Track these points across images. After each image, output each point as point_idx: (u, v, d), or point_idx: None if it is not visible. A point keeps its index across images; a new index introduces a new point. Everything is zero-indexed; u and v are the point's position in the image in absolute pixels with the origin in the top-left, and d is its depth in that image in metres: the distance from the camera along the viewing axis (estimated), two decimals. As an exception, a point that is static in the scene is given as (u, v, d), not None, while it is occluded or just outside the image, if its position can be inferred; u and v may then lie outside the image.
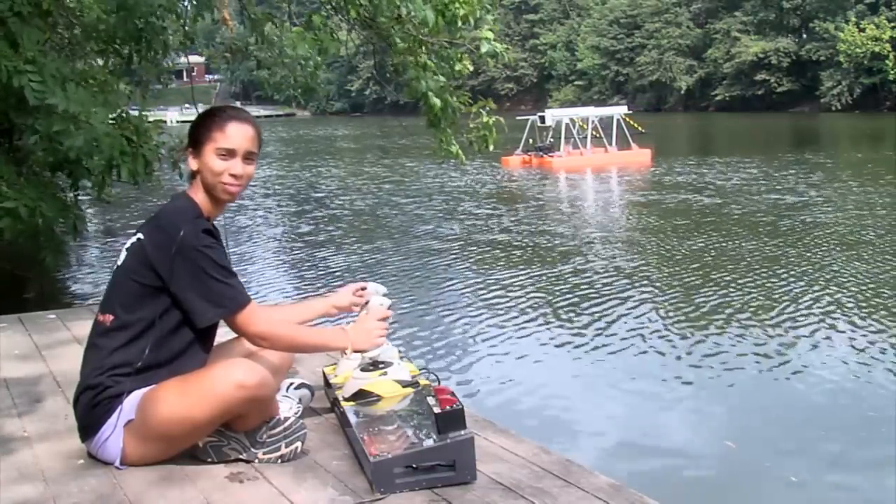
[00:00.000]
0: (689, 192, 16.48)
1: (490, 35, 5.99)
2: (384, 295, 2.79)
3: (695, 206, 14.72)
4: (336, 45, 6.44)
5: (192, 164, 2.45)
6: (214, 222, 2.50)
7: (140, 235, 2.38)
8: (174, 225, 2.31)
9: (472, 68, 6.58)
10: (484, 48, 5.93)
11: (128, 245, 2.42)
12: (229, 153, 2.42)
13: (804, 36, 58.17)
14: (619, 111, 24.91)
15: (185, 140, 2.61)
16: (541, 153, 22.94)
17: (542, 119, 23.29)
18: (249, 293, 2.45)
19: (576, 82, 69.59)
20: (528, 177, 20.90)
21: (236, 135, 2.43)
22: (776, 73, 56.66)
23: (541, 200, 16.79)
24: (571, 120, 23.74)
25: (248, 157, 2.46)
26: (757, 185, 17.42)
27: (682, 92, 62.72)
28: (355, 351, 2.60)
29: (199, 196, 2.44)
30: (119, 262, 2.42)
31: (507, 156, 22.76)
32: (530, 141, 23.31)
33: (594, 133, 23.65)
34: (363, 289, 2.81)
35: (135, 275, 2.34)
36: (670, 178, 19.08)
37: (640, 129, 24.02)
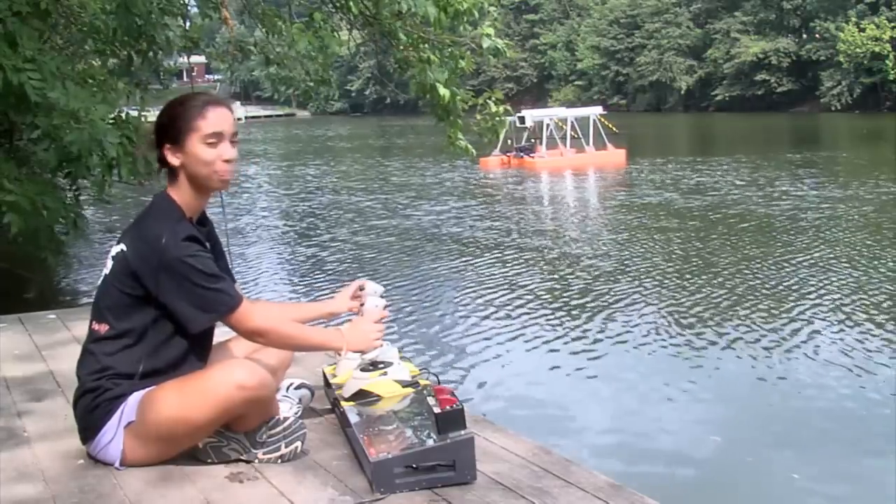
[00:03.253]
0: (675, 193, 16.53)
1: (491, 31, 6.00)
2: (381, 296, 2.78)
3: (683, 206, 14.75)
4: (337, 42, 6.43)
5: (173, 160, 2.34)
6: (206, 209, 2.47)
7: (123, 246, 2.34)
8: (155, 235, 2.26)
9: (474, 66, 6.57)
10: (486, 44, 5.93)
11: (112, 254, 2.37)
12: (217, 138, 2.33)
13: (804, 36, 58.10)
14: (594, 111, 25.05)
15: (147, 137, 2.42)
16: (521, 154, 22.91)
17: (522, 120, 23.29)
18: (247, 293, 2.44)
19: (576, 82, 69.52)
20: (512, 178, 20.93)
21: (219, 118, 2.34)
22: (776, 73, 56.59)
23: (532, 201, 16.92)
24: (552, 120, 23.79)
25: (234, 139, 2.38)
26: (739, 184, 17.57)
27: (682, 92, 62.63)
28: (350, 351, 2.58)
29: (181, 193, 2.37)
30: (106, 271, 2.38)
31: (484, 157, 22.67)
32: (509, 141, 23.25)
33: (572, 134, 23.68)
34: (361, 288, 2.79)
35: (121, 285, 2.31)
36: (654, 178, 19.24)
37: (613, 129, 24.18)
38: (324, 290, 9.17)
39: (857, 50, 50.09)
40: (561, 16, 72.96)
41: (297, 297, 8.98)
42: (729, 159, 22.84)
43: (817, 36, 54.66)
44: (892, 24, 49.95)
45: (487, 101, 6.38)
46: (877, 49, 49.42)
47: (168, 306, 2.28)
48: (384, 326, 2.65)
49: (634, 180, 19.13)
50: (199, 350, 2.43)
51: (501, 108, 6.41)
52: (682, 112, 60.44)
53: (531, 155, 22.86)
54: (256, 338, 2.39)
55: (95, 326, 2.37)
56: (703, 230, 12.26)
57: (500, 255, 10.81)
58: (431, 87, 6.06)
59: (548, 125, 23.61)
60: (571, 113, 25.14)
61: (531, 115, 24.04)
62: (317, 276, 10.19)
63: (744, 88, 57.90)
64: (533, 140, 23.65)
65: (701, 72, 61.65)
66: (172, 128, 2.34)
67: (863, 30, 50.24)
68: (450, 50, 6.28)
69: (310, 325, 2.75)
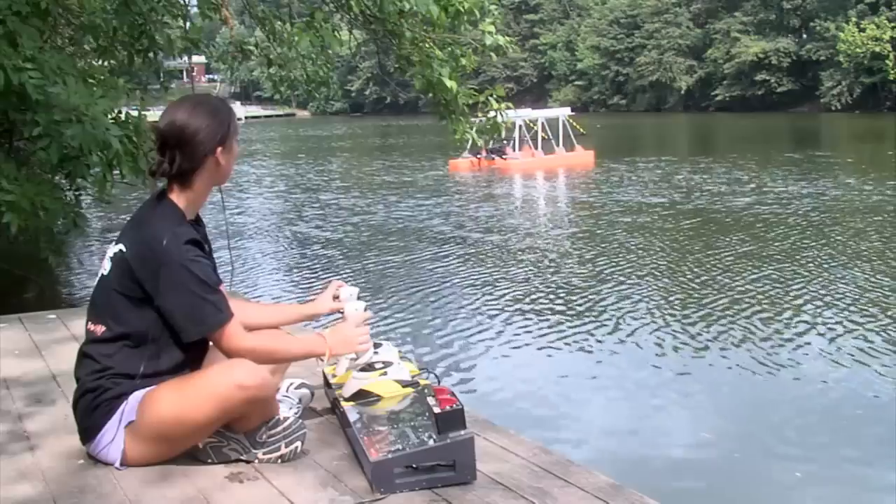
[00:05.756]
0: (666, 192, 16.63)
1: (492, 28, 6.01)
2: (358, 298, 2.74)
3: (675, 206, 14.81)
4: (338, 42, 6.44)
5: (222, 160, 2.37)
6: (200, 211, 2.48)
7: (122, 247, 2.33)
8: (156, 237, 2.25)
9: (476, 63, 6.57)
10: (487, 41, 5.95)
11: (111, 255, 2.36)
12: None
13: (804, 36, 58.16)
14: (563, 112, 25.00)
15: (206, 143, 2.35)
16: (492, 155, 22.57)
17: None
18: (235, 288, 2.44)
19: (576, 82, 69.60)
20: (488, 180, 20.87)
21: None
22: (776, 73, 56.66)
23: (517, 202, 17.06)
24: (523, 121, 23.67)
25: None
26: (720, 182, 17.85)
27: (682, 92, 62.69)
28: (334, 356, 2.55)
29: (189, 195, 2.36)
30: (104, 272, 2.37)
31: (454, 158, 22.61)
32: (478, 143, 22.82)
33: (543, 135, 23.57)
34: (337, 296, 2.75)
35: (120, 287, 2.30)
36: (639, 178, 19.45)
37: (582, 130, 24.17)
38: (302, 285, 9.31)
39: (857, 50, 50.13)
40: (561, 16, 73.01)
41: (276, 292, 9.08)
42: (711, 159, 23.09)
43: (817, 36, 54.69)
44: (893, 24, 49.98)
45: (489, 97, 6.40)
46: (877, 49, 49.47)
47: (163, 311, 2.28)
48: (369, 329, 2.64)
49: (612, 181, 19.27)
50: (198, 352, 2.43)
51: (503, 105, 6.44)
52: (682, 112, 60.44)
53: (503, 156, 22.63)
54: (237, 357, 2.33)
55: (92, 327, 2.36)
56: (692, 230, 12.31)
57: (500, 256, 10.82)
58: (438, 81, 6.06)
59: (519, 126, 23.53)
60: (542, 114, 25.04)
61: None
62: (299, 273, 10.28)
63: (744, 88, 57.96)
64: (504, 141, 23.52)
65: (701, 72, 61.71)
66: (228, 130, 2.38)
67: (863, 30, 50.29)
68: (450, 48, 6.29)
69: (292, 330, 2.73)
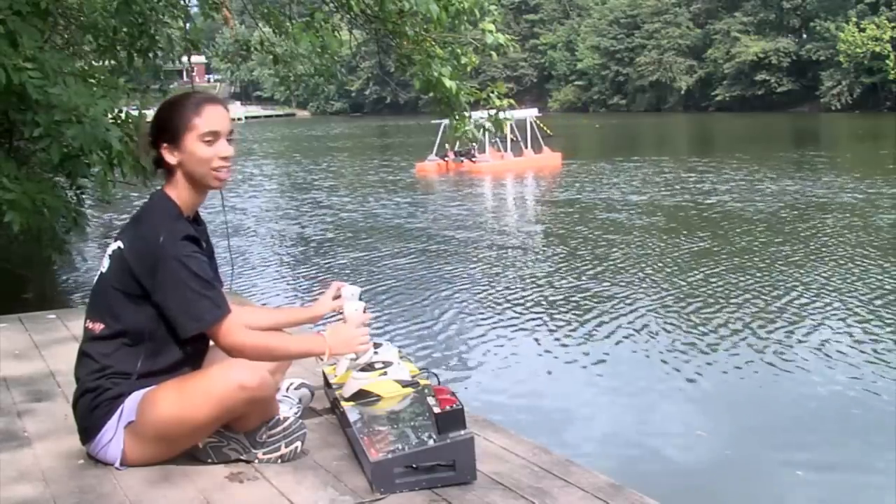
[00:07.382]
0: (668, 193, 16.59)
1: (492, 27, 6.02)
2: (360, 298, 2.74)
3: (674, 206, 14.79)
4: (338, 42, 6.45)
5: (171, 158, 2.33)
6: (199, 209, 2.46)
7: (120, 244, 2.33)
8: (153, 233, 2.26)
9: (477, 62, 6.59)
10: (488, 40, 5.96)
11: (110, 252, 2.36)
12: (214, 136, 2.32)
13: (804, 36, 58.13)
14: (530, 113, 24.85)
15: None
16: (460, 158, 22.29)
17: None
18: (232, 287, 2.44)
19: (576, 82, 69.59)
20: (462, 183, 20.80)
21: (215, 116, 2.33)
22: (776, 73, 56.63)
23: (504, 203, 17.15)
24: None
25: (230, 137, 2.38)
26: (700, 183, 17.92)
27: (682, 92, 62.66)
28: (333, 356, 2.54)
29: (179, 192, 2.36)
30: (103, 270, 2.37)
31: (421, 161, 22.45)
32: (445, 146, 22.45)
33: (511, 137, 23.38)
34: (338, 296, 2.75)
35: (119, 284, 2.30)
36: (617, 178, 19.57)
37: (548, 132, 24.07)
38: (299, 284, 9.40)
39: (857, 50, 50.10)
40: (561, 16, 73.00)
41: (274, 293, 9.11)
42: (697, 159, 23.23)
43: (817, 36, 54.69)
44: (893, 24, 49.95)
45: (490, 94, 6.42)
46: (877, 49, 49.43)
47: (160, 307, 2.27)
48: (368, 330, 2.63)
49: (593, 181, 19.34)
50: (197, 352, 2.43)
51: (505, 102, 6.47)
52: (681, 112, 60.41)
53: (472, 159, 22.38)
54: (236, 353, 2.33)
55: (90, 325, 2.36)
56: (689, 230, 12.30)
57: (499, 256, 10.82)
58: (438, 81, 6.06)
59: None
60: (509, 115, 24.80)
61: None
62: (295, 272, 10.30)
63: (744, 88, 57.92)
64: (472, 144, 23.32)
65: (701, 72, 61.67)
66: (170, 126, 2.33)
67: (863, 30, 50.25)
68: (451, 48, 6.30)
69: (294, 331, 2.73)
